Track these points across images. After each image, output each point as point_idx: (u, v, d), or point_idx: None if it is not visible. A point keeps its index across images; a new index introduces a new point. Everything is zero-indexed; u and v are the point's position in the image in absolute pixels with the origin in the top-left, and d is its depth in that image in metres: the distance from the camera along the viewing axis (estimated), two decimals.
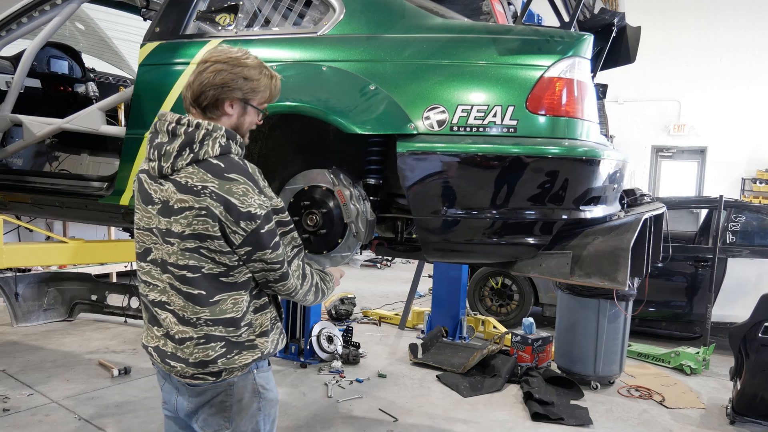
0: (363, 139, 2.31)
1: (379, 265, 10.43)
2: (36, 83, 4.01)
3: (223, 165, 1.57)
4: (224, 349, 1.62)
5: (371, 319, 6.50)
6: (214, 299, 1.60)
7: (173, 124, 1.60)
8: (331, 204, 2.30)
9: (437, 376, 4.71)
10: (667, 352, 5.27)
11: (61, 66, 4.03)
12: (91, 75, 4.27)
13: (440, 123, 2.11)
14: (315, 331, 4.96)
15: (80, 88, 4.16)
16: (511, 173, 2.08)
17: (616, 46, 3.17)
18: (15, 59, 3.76)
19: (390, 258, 10.37)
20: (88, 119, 2.99)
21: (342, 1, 2.39)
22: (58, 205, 3.17)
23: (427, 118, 2.11)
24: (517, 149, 2.05)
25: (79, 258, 4.00)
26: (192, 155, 1.57)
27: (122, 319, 5.93)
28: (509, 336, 5.11)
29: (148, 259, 1.67)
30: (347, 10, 2.37)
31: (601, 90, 3.36)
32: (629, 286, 4.47)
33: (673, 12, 11.77)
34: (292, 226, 1.69)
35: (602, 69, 3.27)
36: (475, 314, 6.21)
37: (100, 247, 3.82)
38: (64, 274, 6.06)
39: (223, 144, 1.60)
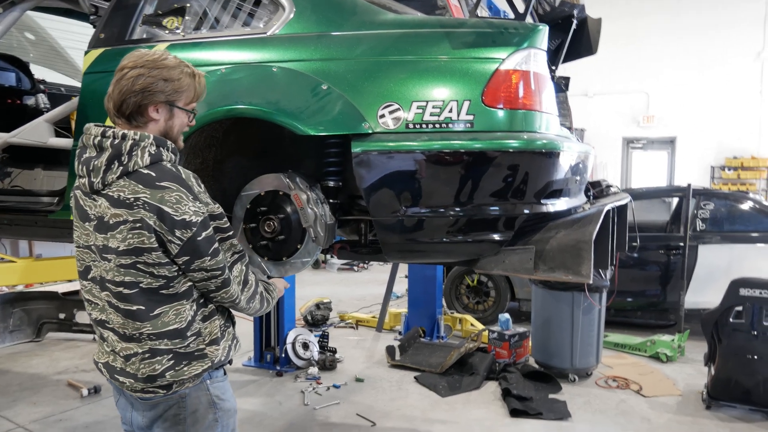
0: (320, 140, 2.24)
1: (356, 267, 10.34)
2: None
3: (154, 174, 1.51)
4: (172, 362, 1.57)
5: (348, 322, 6.42)
6: (155, 313, 1.55)
7: (99, 137, 1.54)
8: (289, 209, 2.23)
9: (415, 378, 4.65)
10: (642, 341, 5.29)
11: (8, 78, 3.88)
12: (41, 86, 4.12)
13: (396, 121, 2.05)
14: (290, 339, 4.86)
15: (30, 101, 4.01)
16: (469, 169, 2.03)
17: (577, 37, 3.15)
18: None
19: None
20: (35, 132, 2.88)
21: None
22: (6, 223, 3.04)
23: (382, 116, 2.05)
24: (474, 144, 2.00)
25: (30, 277, 3.84)
26: (121, 168, 1.51)
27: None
28: (486, 333, 5.08)
29: (89, 277, 1.62)
30: (297, 9, 2.30)
31: (564, 82, 3.34)
32: (602, 277, 4.47)
33: (639, 3, 11.96)
34: (231, 232, 1.65)
35: (565, 61, 3.25)
36: (452, 313, 6.17)
37: (51, 265, 3.65)
38: (30, 293, 5.84)
39: (153, 152, 1.53)
